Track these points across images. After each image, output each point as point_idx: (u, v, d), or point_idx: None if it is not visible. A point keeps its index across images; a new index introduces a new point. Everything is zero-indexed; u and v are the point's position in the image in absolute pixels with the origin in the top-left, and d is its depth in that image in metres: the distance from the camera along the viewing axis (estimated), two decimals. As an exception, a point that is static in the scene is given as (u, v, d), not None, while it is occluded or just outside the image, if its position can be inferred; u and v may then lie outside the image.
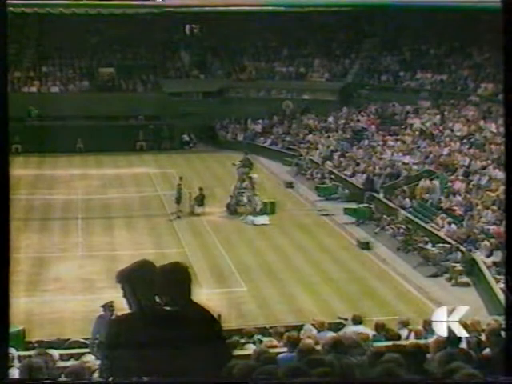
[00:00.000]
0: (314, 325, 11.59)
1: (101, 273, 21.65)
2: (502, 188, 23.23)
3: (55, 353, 8.54)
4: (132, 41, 44.35)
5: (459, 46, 40.30)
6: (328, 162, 34.42)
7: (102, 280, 21.02)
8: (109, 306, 12.27)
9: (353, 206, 28.67)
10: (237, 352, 9.25)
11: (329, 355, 6.52)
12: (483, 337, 7.87)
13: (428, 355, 6.76)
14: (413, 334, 10.89)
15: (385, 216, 26.59)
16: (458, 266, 21.63)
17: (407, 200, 27.50)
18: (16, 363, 7.49)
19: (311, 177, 34.10)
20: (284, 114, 43.59)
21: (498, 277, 19.54)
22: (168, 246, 24.43)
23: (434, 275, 21.95)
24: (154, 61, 45.13)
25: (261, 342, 11.09)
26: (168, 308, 4.45)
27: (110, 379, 4.54)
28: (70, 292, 20.20)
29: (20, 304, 16.39)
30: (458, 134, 32.39)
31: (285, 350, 8.38)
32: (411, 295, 20.54)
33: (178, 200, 28.00)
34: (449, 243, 22.83)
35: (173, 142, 41.76)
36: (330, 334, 10.08)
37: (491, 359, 6.54)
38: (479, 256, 21.45)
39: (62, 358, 9.34)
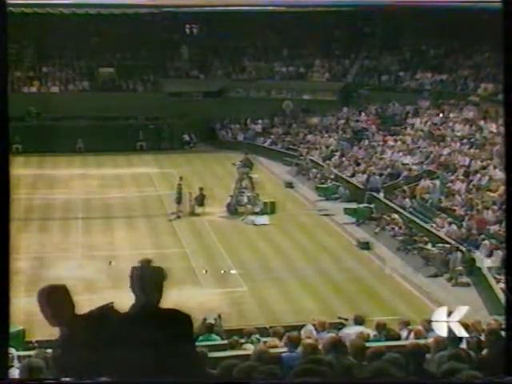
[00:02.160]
0: (314, 325, 11.60)
1: (101, 273, 21.66)
2: (502, 188, 23.24)
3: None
4: (132, 41, 44.32)
5: (459, 45, 40.29)
6: (328, 162, 34.43)
7: (102, 280, 21.03)
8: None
9: (353, 206, 28.68)
10: (237, 352, 9.26)
11: (329, 355, 6.53)
12: (483, 337, 7.87)
13: (428, 355, 6.76)
14: (413, 334, 10.90)
15: (385, 216, 26.59)
16: (458, 267, 21.63)
17: (407, 200, 27.49)
18: (16, 363, 7.50)
19: (311, 177, 34.11)
20: (284, 114, 43.60)
21: (498, 277, 19.55)
22: (168, 246, 24.42)
23: (434, 275, 21.95)
24: (154, 61, 45.12)
25: (258, 340, 11.10)
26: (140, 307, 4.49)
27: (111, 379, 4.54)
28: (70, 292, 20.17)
29: (20, 304, 16.35)
30: (458, 134, 32.40)
31: (285, 349, 8.38)
32: (411, 295, 20.53)
33: (179, 200, 28.01)
34: (449, 243, 22.83)
35: (173, 142, 41.77)
36: (330, 334, 10.09)
37: (491, 359, 6.54)
38: (479, 256, 21.46)
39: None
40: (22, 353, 9.31)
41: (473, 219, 23.60)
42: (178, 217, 27.62)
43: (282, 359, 7.14)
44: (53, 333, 4.80)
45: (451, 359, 6.29)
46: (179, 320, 4.54)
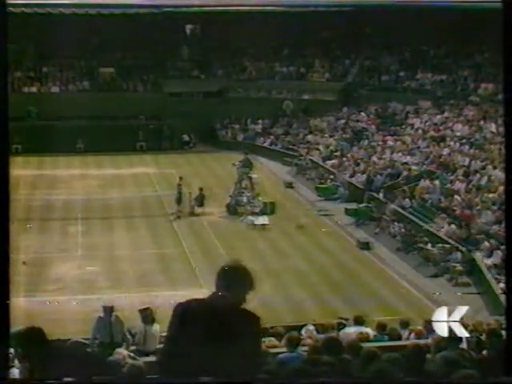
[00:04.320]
0: (315, 325, 11.61)
1: (101, 273, 21.67)
2: (502, 188, 23.24)
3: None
4: (132, 41, 44.30)
5: (459, 46, 40.28)
6: (328, 162, 34.47)
7: (102, 280, 21.04)
8: (109, 309, 12.24)
9: (354, 206, 28.66)
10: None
11: (325, 355, 6.53)
12: (483, 337, 7.87)
13: (428, 355, 6.76)
14: (413, 335, 10.90)
15: (385, 216, 26.60)
16: (458, 267, 21.63)
17: (407, 200, 27.48)
18: (16, 363, 7.48)
19: (311, 177, 34.11)
20: (284, 114, 43.58)
21: (498, 277, 19.55)
22: (168, 246, 24.43)
23: (435, 275, 21.95)
24: (154, 61, 45.11)
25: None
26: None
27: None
28: (70, 292, 20.20)
29: (20, 304, 16.38)
30: (458, 134, 32.38)
31: (285, 350, 8.37)
32: (411, 295, 20.53)
33: (179, 200, 28.00)
34: (449, 243, 22.84)
35: (173, 142, 41.76)
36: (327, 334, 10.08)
37: (491, 359, 6.54)
38: (479, 256, 21.45)
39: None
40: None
41: (462, 214, 23.84)
42: (178, 217, 27.62)
43: (282, 359, 7.14)
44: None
45: (449, 361, 6.30)
46: (249, 321, 4.64)
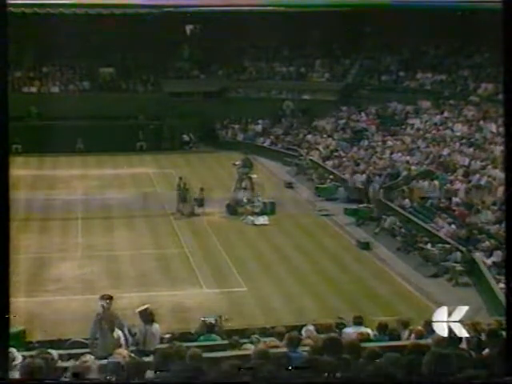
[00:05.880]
0: (315, 325, 11.60)
1: (101, 273, 21.67)
2: (502, 188, 23.25)
3: (55, 353, 8.54)
4: (132, 41, 44.30)
5: (459, 45, 40.29)
6: (328, 162, 34.46)
7: (102, 280, 21.03)
8: (106, 299, 12.10)
9: (353, 206, 28.66)
10: (237, 352, 9.27)
11: (324, 355, 6.53)
12: (483, 337, 7.87)
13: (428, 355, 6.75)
14: (413, 335, 10.89)
15: (385, 216, 26.60)
16: (458, 267, 21.63)
17: (407, 200, 27.48)
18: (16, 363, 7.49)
19: (311, 177, 34.11)
20: (284, 114, 43.59)
21: (498, 277, 19.55)
22: (168, 246, 24.43)
23: (435, 275, 21.95)
24: (154, 61, 45.11)
25: (258, 340, 11.10)
26: None
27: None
28: (70, 292, 20.19)
29: (20, 304, 16.38)
30: (458, 134, 32.38)
31: (285, 350, 8.37)
32: (411, 295, 20.53)
33: (184, 199, 28.00)
34: (449, 243, 22.84)
35: (173, 142, 41.77)
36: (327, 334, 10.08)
37: (491, 359, 6.54)
38: (479, 256, 21.45)
39: (62, 358, 9.32)
40: (22, 353, 9.28)
41: (458, 213, 23.92)
42: (181, 215, 27.67)
43: (282, 359, 7.14)
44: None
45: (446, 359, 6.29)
46: None
